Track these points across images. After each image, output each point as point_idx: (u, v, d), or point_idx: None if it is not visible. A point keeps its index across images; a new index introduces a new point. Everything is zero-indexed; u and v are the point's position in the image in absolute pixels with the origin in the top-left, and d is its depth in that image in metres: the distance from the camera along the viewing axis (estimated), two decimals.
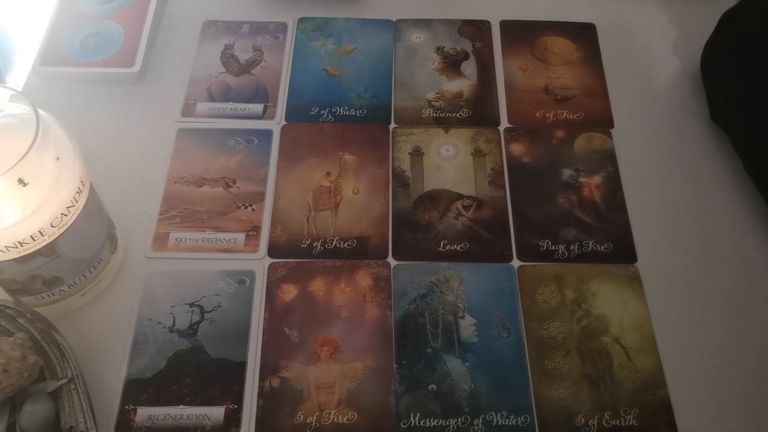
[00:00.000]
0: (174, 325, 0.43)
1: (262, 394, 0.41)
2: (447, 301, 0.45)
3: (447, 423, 0.41)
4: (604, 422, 0.41)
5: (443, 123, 0.53)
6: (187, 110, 0.53)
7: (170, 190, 0.49)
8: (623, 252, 0.47)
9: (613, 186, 0.50)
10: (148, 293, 0.45)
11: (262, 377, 0.42)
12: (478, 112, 0.54)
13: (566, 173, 0.50)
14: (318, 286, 0.45)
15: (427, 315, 0.44)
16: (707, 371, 0.43)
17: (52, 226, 0.36)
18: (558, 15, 0.59)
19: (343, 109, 0.53)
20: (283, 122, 0.53)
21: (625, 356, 0.43)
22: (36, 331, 0.39)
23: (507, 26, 0.58)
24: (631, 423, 0.41)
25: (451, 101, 0.54)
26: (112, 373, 0.42)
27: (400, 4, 0.60)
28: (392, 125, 0.53)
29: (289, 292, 0.45)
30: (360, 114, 0.53)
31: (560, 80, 0.55)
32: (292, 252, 0.47)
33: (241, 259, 0.46)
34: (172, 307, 0.44)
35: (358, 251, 0.47)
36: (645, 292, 0.45)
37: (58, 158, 0.35)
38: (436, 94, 0.54)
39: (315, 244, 0.47)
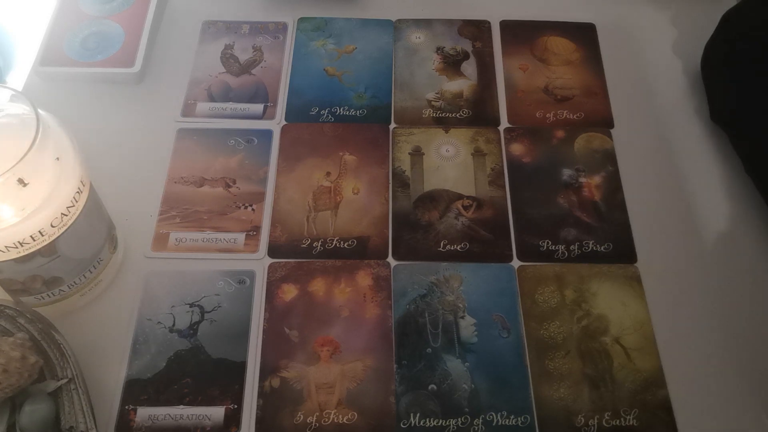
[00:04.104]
0: (174, 325, 0.43)
1: (262, 394, 0.41)
2: (447, 301, 0.45)
3: (447, 423, 0.41)
4: (604, 422, 0.41)
5: (443, 123, 0.53)
6: (187, 110, 0.53)
7: (170, 190, 0.49)
8: (623, 252, 0.47)
9: (613, 186, 0.50)
10: (148, 293, 0.45)
11: (262, 377, 0.42)
12: (478, 112, 0.54)
13: (566, 173, 0.50)
14: (318, 286, 0.45)
15: (427, 315, 0.44)
16: (707, 371, 0.43)
17: (52, 226, 0.36)
18: (558, 15, 0.59)
19: (343, 109, 0.53)
20: (283, 122, 0.53)
21: (625, 356, 0.43)
22: (36, 331, 0.39)
23: (507, 26, 0.58)
24: (631, 423, 0.41)
25: (451, 101, 0.54)
26: (112, 373, 0.42)
27: (400, 4, 0.60)
28: (392, 125, 0.53)
29: (289, 292, 0.45)
30: (360, 114, 0.53)
31: (560, 80, 0.55)
32: (292, 252, 0.47)
33: (241, 259, 0.46)
34: (172, 307, 0.44)
35: (358, 251, 0.47)
36: (645, 292, 0.45)
37: (58, 158, 0.35)
38: (436, 94, 0.54)
39: (315, 244, 0.47)
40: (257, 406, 0.41)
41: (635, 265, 0.46)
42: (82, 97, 0.53)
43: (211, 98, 0.54)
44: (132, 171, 0.50)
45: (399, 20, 0.59)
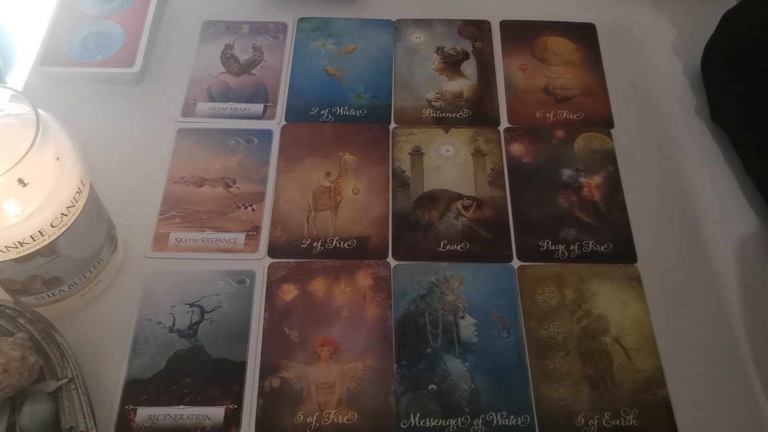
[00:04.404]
0: (174, 325, 0.43)
1: (262, 394, 0.41)
2: (447, 301, 0.45)
3: (447, 423, 0.41)
4: (604, 422, 0.41)
5: (443, 123, 0.53)
6: (187, 110, 0.53)
7: (170, 190, 0.49)
8: (623, 252, 0.47)
9: (613, 186, 0.50)
10: (148, 293, 0.45)
11: (262, 377, 0.42)
12: (478, 112, 0.54)
13: (566, 173, 0.50)
14: (318, 286, 0.45)
15: (427, 315, 0.44)
16: (707, 371, 0.43)
17: (52, 226, 0.36)
18: (558, 15, 0.59)
19: (343, 109, 0.53)
20: (283, 122, 0.53)
21: (625, 356, 0.43)
22: (36, 331, 0.39)
23: (507, 26, 0.58)
24: (631, 423, 0.41)
25: (451, 101, 0.54)
26: (112, 373, 0.42)
27: (400, 4, 0.60)
28: (392, 125, 0.53)
29: (289, 292, 0.45)
30: (360, 114, 0.53)
31: (560, 80, 0.55)
32: (292, 252, 0.47)
33: (241, 259, 0.46)
34: (172, 307, 0.44)
35: (358, 251, 0.47)
36: (645, 292, 0.45)
37: (58, 158, 0.35)
38: (436, 94, 0.54)
39: (315, 244, 0.47)
40: (257, 406, 0.41)
41: (635, 265, 0.46)
42: (82, 97, 0.53)
43: (211, 98, 0.54)
44: (132, 171, 0.50)
45: (399, 20, 0.59)
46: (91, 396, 0.39)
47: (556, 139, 0.52)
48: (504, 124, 0.53)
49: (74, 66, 0.53)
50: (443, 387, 0.42)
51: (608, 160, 0.51)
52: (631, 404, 0.41)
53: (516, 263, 0.46)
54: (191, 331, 0.43)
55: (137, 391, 0.41)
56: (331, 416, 0.41)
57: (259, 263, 0.46)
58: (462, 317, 0.44)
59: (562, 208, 0.49)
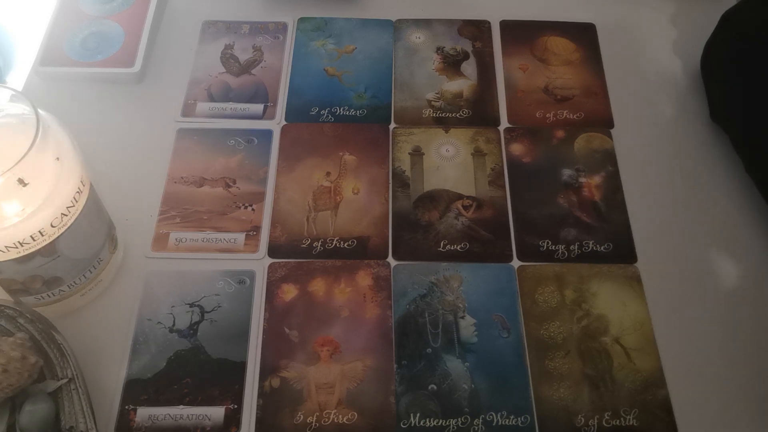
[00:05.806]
0: (174, 325, 0.43)
1: (262, 394, 0.41)
2: (447, 301, 0.45)
3: (447, 423, 0.41)
4: (604, 422, 0.41)
5: (443, 123, 0.53)
6: (187, 110, 0.53)
7: (170, 190, 0.49)
8: (623, 252, 0.47)
9: (613, 186, 0.50)
10: (148, 293, 0.45)
11: (262, 377, 0.42)
12: (478, 112, 0.54)
13: (566, 173, 0.50)
14: (318, 286, 0.45)
15: (427, 315, 0.44)
16: (707, 371, 0.43)
17: (52, 226, 0.36)
18: (558, 15, 0.59)
19: (343, 109, 0.53)
20: (283, 122, 0.53)
21: (625, 356, 0.43)
22: (36, 331, 0.39)
23: (507, 26, 0.58)
24: (631, 423, 0.41)
25: (451, 101, 0.54)
26: (112, 373, 0.42)
27: (400, 4, 0.60)
28: (392, 125, 0.53)
29: (289, 292, 0.45)
30: (360, 114, 0.53)
31: (560, 80, 0.55)
32: (292, 252, 0.47)
33: (241, 259, 0.46)
34: (172, 307, 0.44)
35: (358, 251, 0.47)
36: (645, 292, 0.45)
37: (58, 158, 0.35)
38: (436, 94, 0.54)
39: (315, 244, 0.47)
40: (257, 406, 0.41)
41: (635, 265, 0.46)
42: (82, 97, 0.53)
43: (211, 98, 0.54)
44: (132, 171, 0.50)
45: (399, 20, 0.59)
46: (91, 396, 0.39)
47: (556, 139, 0.52)
48: (504, 124, 0.53)
49: (74, 66, 0.53)
50: (443, 387, 0.42)
51: (608, 160, 0.51)
52: (631, 404, 0.41)
53: (516, 263, 0.46)
54: (191, 331, 0.43)
55: (137, 391, 0.41)
56: (331, 416, 0.41)
57: (259, 263, 0.46)
58: (462, 317, 0.44)
59: (562, 208, 0.49)
